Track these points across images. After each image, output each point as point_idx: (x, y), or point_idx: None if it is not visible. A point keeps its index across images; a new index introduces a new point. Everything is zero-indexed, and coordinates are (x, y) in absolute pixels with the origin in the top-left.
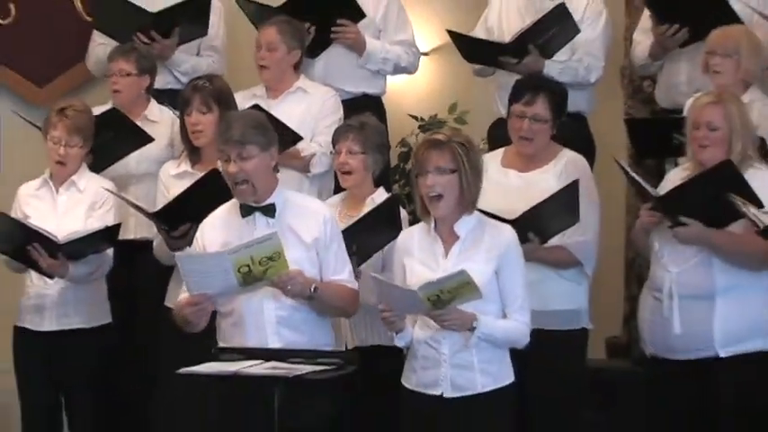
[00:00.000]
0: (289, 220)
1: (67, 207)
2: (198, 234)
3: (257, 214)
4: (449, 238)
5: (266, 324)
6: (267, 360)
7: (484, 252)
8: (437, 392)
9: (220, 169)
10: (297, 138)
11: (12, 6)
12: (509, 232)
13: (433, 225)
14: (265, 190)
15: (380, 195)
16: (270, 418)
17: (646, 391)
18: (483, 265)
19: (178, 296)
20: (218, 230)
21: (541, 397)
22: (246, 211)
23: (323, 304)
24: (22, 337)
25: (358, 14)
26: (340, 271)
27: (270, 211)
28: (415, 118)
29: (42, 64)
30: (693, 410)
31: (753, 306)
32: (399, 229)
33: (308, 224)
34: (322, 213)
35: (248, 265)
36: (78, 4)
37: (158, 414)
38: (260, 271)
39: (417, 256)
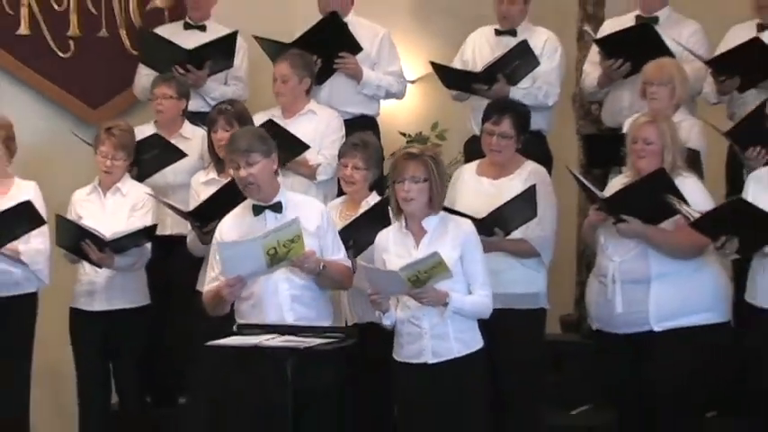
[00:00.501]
0: (293, 214)
1: (113, 209)
2: (216, 233)
3: (267, 212)
4: (418, 233)
5: (282, 302)
6: (282, 334)
7: (449, 241)
8: (421, 361)
9: None
10: (305, 146)
11: (71, 43)
12: (468, 225)
13: (404, 223)
14: (269, 190)
15: (374, 198)
16: (284, 383)
17: (594, 360)
18: (449, 251)
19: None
20: (234, 228)
21: (508, 365)
22: (258, 210)
23: (327, 279)
24: (77, 316)
25: (356, 48)
26: (336, 252)
27: (278, 208)
28: (404, 134)
29: (96, 90)
30: (632, 374)
31: (682, 289)
32: (389, 225)
33: (310, 216)
34: (319, 207)
35: (275, 248)
36: (126, 41)
37: (192, 381)
38: (283, 252)
39: (393, 251)
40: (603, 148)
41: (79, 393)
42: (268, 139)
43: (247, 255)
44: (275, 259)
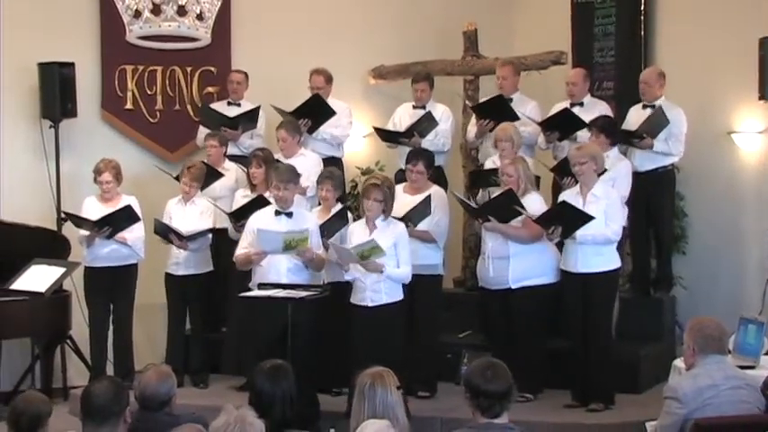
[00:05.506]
0: (299, 220)
1: (190, 213)
2: (249, 221)
3: (283, 215)
4: (372, 228)
5: (281, 270)
6: (284, 289)
7: (389, 234)
8: (365, 304)
9: (265, 195)
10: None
11: (158, 113)
12: (401, 225)
13: (365, 221)
14: (290, 204)
15: (338, 207)
16: (285, 319)
17: (475, 303)
18: (388, 240)
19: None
20: (259, 221)
21: (423, 310)
22: (278, 213)
23: (312, 263)
24: (168, 277)
25: (331, 113)
26: (318, 247)
27: (290, 215)
28: (359, 168)
29: (172, 141)
30: (499, 314)
31: (529, 262)
32: (347, 222)
33: (307, 223)
34: (313, 219)
35: (290, 241)
36: (191, 112)
37: (230, 316)
38: (294, 245)
39: (357, 236)
40: (481, 178)
41: (168, 324)
42: (297, 175)
43: (272, 240)
44: (288, 248)
